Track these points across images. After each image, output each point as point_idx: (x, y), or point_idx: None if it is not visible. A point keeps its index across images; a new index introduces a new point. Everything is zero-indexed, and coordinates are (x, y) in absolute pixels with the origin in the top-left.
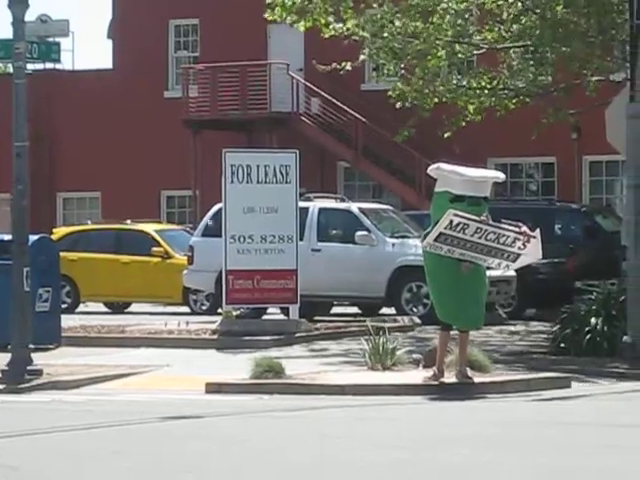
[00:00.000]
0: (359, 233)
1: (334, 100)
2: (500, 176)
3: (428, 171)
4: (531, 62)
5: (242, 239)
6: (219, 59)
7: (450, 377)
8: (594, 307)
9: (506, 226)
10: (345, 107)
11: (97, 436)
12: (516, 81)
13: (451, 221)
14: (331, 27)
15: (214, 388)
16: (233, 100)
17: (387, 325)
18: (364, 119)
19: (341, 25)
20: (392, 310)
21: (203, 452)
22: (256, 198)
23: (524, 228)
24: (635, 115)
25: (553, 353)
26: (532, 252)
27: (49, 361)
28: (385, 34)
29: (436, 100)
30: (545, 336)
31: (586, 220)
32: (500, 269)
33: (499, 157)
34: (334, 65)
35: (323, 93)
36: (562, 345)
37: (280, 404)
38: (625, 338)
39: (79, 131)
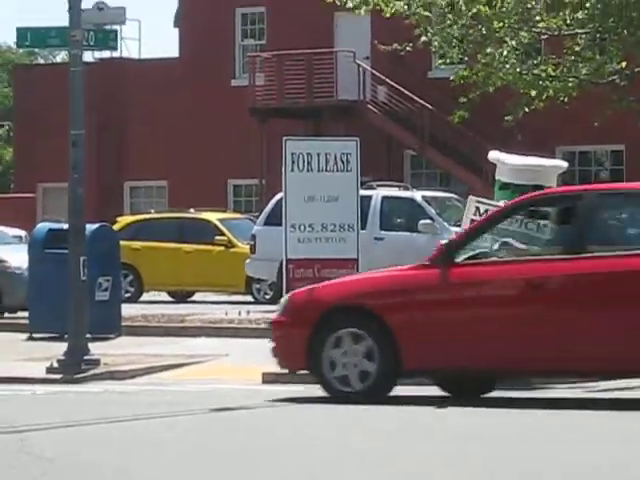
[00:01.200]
0: (422, 221)
1: (400, 88)
2: (560, 164)
3: (488, 158)
4: (595, 49)
5: (302, 228)
6: (286, 47)
7: None
8: None
9: None
10: (412, 95)
11: (140, 427)
12: (580, 68)
13: (477, 208)
14: (391, 5)
15: (271, 378)
16: (299, 88)
17: None
18: (431, 107)
19: (402, 3)
20: None
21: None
22: (317, 186)
23: None
24: None
25: None
26: None
27: (108, 351)
28: (448, 21)
29: (499, 84)
30: None
31: None
32: None
33: (567, 145)
34: (395, 46)
35: (389, 81)
36: None
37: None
38: None
39: (146, 120)
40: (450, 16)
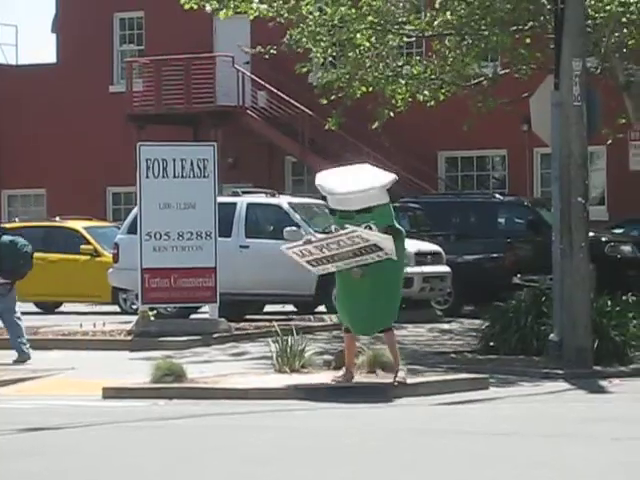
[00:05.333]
0: (288, 229)
1: (280, 93)
2: (376, 185)
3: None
4: (458, 51)
5: (158, 236)
6: (165, 52)
7: (360, 377)
8: (524, 304)
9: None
10: (292, 100)
11: None
12: (447, 72)
13: (295, 253)
14: (255, 7)
15: (111, 393)
16: (178, 94)
17: (312, 324)
18: (311, 112)
19: (265, 6)
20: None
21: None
22: (172, 193)
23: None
24: (559, 103)
25: (482, 352)
26: (382, 241)
27: None
28: (309, 21)
29: (363, 89)
30: (476, 334)
31: (529, 214)
32: (384, 257)
33: (449, 150)
34: (258, 49)
35: (269, 86)
36: (491, 344)
37: (169, 410)
38: (551, 336)
39: (23, 127)
40: (315, 15)
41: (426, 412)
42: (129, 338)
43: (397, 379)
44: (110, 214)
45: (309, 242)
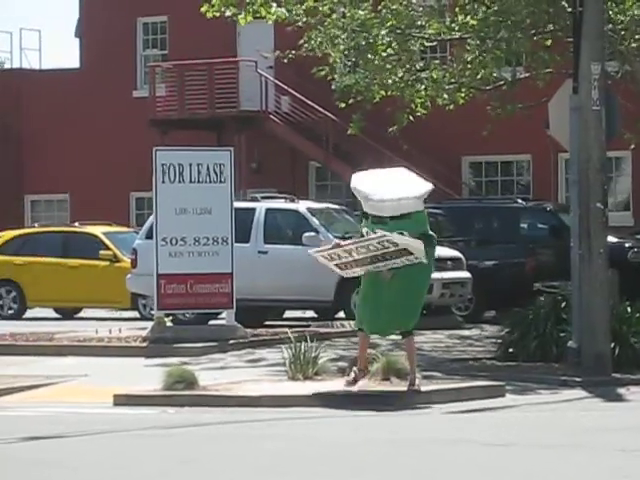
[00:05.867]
0: (306, 234)
1: (304, 98)
2: (415, 195)
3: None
4: (478, 54)
5: (174, 241)
6: (188, 57)
7: (374, 385)
8: (544, 310)
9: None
10: (315, 105)
11: None
12: (465, 75)
13: (328, 257)
14: (274, 11)
15: (122, 400)
16: (201, 99)
17: (329, 330)
18: (335, 117)
19: (283, 10)
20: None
21: None
22: (189, 198)
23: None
24: (578, 107)
25: (500, 359)
26: (413, 245)
27: None
28: (326, 23)
29: (382, 93)
30: (496, 341)
31: (552, 219)
32: (415, 261)
33: (473, 155)
34: (277, 53)
35: (293, 91)
36: (510, 350)
37: (178, 418)
38: (570, 343)
39: (47, 132)
40: (333, 17)
41: (437, 421)
42: (144, 345)
43: (411, 387)
44: (134, 219)
45: (338, 246)
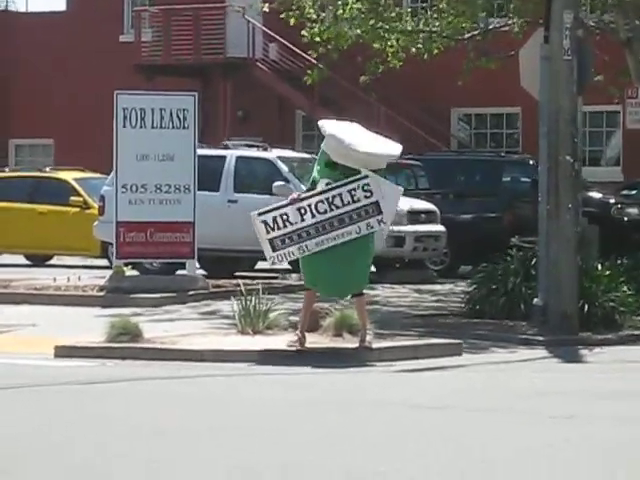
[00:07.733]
0: (276, 183)
1: (292, 46)
2: (392, 153)
3: (319, 125)
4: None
5: (134, 188)
6: (175, 2)
7: (325, 340)
8: (513, 266)
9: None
10: (303, 54)
11: None
12: (439, 24)
13: (264, 222)
14: None
15: (64, 352)
16: (187, 45)
17: (294, 283)
18: (322, 66)
19: None
20: None
21: None
22: (150, 144)
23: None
24: (549, 56)
25: (466, 316)
26: (388, 193)
27: None
28: None
29: (350, 42)
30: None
31: (534, 173)
32: (377, 229)
33: (462, 107)
34: (246, 6)
35: (280, 38)
36: (477, 307)
37: (115, 372)
38: (536, 301)
39: (32, 76)
40: None
41: (380, 380)
42: (101, 294)
43: (362, 344)
44: None
45: (295, 201)
